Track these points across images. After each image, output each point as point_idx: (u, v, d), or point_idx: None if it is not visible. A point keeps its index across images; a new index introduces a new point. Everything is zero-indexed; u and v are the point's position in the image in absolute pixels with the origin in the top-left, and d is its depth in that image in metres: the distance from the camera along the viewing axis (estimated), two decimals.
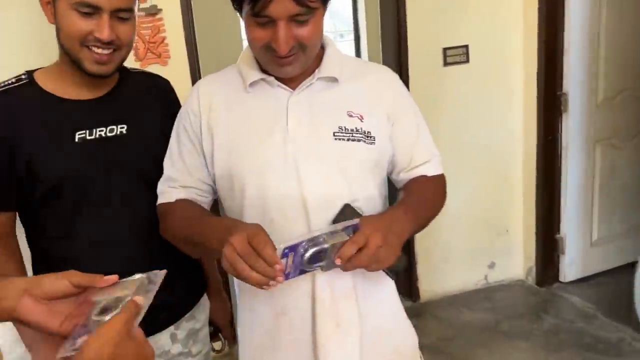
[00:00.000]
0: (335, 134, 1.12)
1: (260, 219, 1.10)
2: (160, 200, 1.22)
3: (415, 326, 1.27)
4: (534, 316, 2.90)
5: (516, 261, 3.27)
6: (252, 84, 1.15)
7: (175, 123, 1.23)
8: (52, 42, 1.22)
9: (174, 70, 2.44)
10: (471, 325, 2.86)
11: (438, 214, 1.20)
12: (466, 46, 2.92)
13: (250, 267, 0.91)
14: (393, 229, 0.99)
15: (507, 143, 3.10)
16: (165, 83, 1.42)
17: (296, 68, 1.09)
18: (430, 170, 1.22)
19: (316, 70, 1.14)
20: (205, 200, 1.23)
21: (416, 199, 1.14)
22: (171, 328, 1.33)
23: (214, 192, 1.23)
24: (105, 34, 1.13)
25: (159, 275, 0.78)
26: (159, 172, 1.27)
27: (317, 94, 1.15)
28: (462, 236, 3.12)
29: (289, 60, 1.06)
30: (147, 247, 1.25)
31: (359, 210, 1.08)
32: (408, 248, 3.04)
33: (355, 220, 0.98)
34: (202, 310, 1.42)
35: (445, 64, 2.90)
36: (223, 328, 1.52)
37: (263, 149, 1.12)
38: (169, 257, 1.21)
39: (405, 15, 2.78)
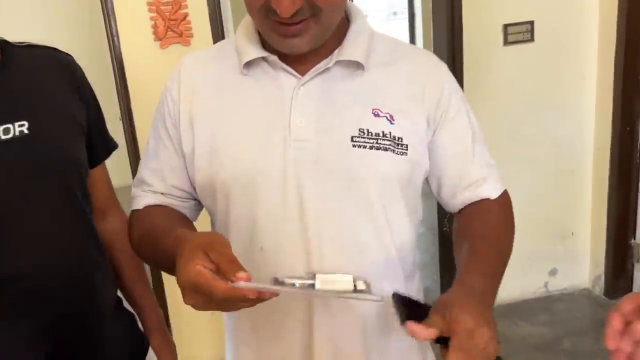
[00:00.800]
0: (354, 139, 0.84)
1: (247, 245, 0.86)
2: (131, 207, 0.98)
3: None
4: (602, 334, 2.53)
5: (582, 268, 2.89)
6: (248, 64, 0.88)
7: (156, 110, 0.97)
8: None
9: (197, 50, 2.20)
10: (528, 341, 2.53)
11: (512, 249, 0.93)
12: (531, 22, 2.53)
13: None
14: (484, 305, 0.75)
15: (577, 134, 2.72)
16: (67, 58, 1.04)
17: (306, 41, 0.81)
18: (492, 190, 0.94)
19: (335, 51, 0.86)
20: (186, 206, 0.97)
21: (487, 249, 0.87)
22: None
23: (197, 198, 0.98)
24: None
25: None
26: (81, 183, 0.97)
27: (333, 83, 0.87)
28: (521, 238, 2.71)
29: (296, 28, 0.78)
30: (86, 285, 0.96)
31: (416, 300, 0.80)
32: None
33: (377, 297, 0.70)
34: None
35: (506, 42, 2.53)
36: None
37: (255, 153, 0.86)
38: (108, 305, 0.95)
39: None
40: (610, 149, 2.65)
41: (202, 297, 0.67)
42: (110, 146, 1.12)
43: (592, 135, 2.73)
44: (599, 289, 2.84)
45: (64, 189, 0.93)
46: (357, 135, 0.84)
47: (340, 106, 0.86)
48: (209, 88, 0.91)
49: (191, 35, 2.18)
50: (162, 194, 0.95)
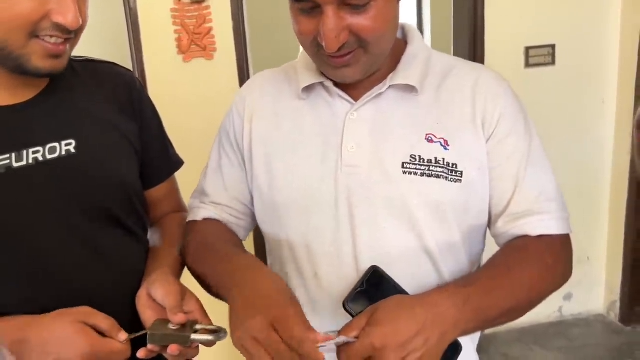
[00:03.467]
0: (405, 166, 0.82)
1: (303, 269, 0.86)
2: (188, 217, 0.98)
3: None
4: None
5: (597, 293, 2.86)
6: (306, 89, 0.88)
7: (222, 123, 0.97)
8: None
9: (220, 65, 2.20)
10: None
11: (542, 300, 0.83)
12: (552, 46, 2.53)
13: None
14: (428, 334, 0.67)
15: (595, 157, 2.70)
16: (127, 74, 0.99)
17: (357, 71, 0.81)
18: (534, 227, 0.83)
19: (389, 76, 0.85)
20: (241, 224, 0.97)
21: (492, 280, 0.77)
22: None
23: (254, 216, 0.96)
24: (71, 16, 0.74)
25: None
26: (130, 203, 0.92)
27: (387, 108, 0.85)
28: None
29: (345, 60, 0.78)
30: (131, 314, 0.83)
31: (390, 280, 0.77)
32: None
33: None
34: None
35: (528, 65, 2.52)
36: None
37: (308, 179, 0.85)
38: None
39: (483, 8, 2.43)
40: (629, 173, 2.63)
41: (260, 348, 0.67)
42: (172, 166, 1.06)
43: (610, 158, 2.71)
44: (614, 315, 2.80)
45: (107, 210, 0.87)
46: (409, 161, 0.82)
47: (393, 131, 0.84)
48: (268, 112, 0.91)
49: (214, 50, 2.17)
50: (220, 205, 0.94)
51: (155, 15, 2.11)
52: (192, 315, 0.79)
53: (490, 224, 0.89)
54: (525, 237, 0.84)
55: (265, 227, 0.93)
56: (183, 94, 2.18)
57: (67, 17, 0.74)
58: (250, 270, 0.77)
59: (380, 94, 0.85)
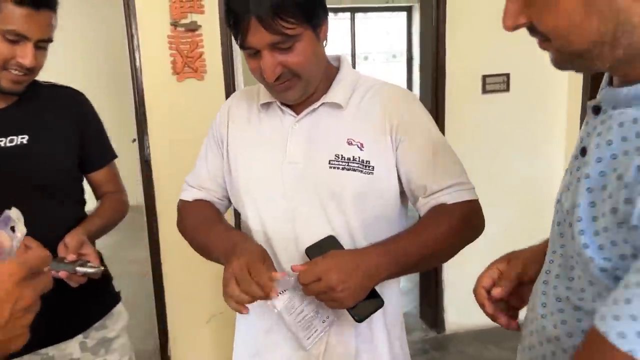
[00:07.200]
0: (331, 162, 1.09)
1: (264, 244, 1.13)
2: (180, 195, 1.29)
3: None
4: None
5: None
6: (265, 105, 1.17)
7: (211, 124, 1.28)
8: None
9: (209, 84, 2.49)
10: None
11: (453, 251, 1.10)
12: (507, 74, 2.85)
13: (243, 290, 0.97)
14: (359, 271, 0.96)
15: (546, 175, 2.99)
16: (77, 94, 1.45)
17: (296, 94, 1.08)
18: (449, 197, 1.08)
19: (323, 96, 1.13)
20: (223, 204, 1.27)
21: (407, 238, 1.05)
22: (79, 337, 1.39)
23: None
24: (28, 61, 1.22)
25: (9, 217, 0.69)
26: (65, 183, 1.35)
27: (320, 120, 1.13)
28: None
29: (283, 86, 1.06)
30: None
31: (338, 243, 1.05)
32: (435, 276, 2.96)
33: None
34: (116, 320, 1.47)
35: (485, 91, 2.84)
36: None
37: (262, 174, 1.14)
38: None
39: (444, 39, 2.74)
40: None
41: (248, 281, 0.96)
42: (108, 157, 1.52)
43: (558, 176, 2.97)
44: None
45: (45, 186, 1.31)
46: (334, 159, 1.09)
47: (323, 137, 1.11)
48: (240, 119, 1.21)
49: (205, 72, 2.47)
50: (205, 189, 1.24)
51: (154, 40, 2.42)
52: (86, 257, 1.25)
53: (416, 206, 1.14)
54: (438, 206, 1.08)
55: (239, 210, 1.20)
56: (175, 108, 2.48)
57: (25, 60, 1.21)
58: (242, 241, 1.08)
59: (315, 109, 1.12)
